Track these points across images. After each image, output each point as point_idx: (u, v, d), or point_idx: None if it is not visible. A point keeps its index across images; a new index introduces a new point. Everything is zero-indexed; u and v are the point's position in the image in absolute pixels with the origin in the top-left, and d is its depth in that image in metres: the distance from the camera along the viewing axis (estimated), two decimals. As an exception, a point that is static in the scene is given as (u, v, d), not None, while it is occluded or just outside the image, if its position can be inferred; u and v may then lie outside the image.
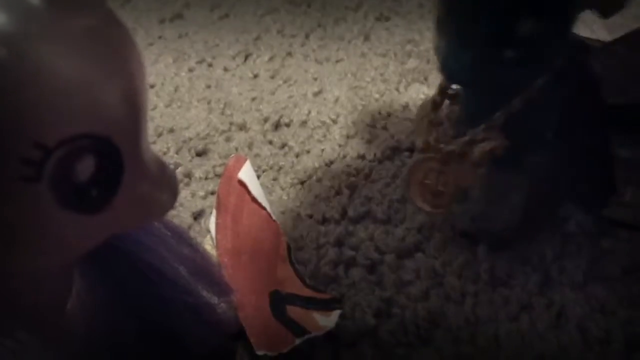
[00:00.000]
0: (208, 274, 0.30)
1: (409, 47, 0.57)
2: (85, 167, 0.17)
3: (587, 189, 0.38)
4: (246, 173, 0.40)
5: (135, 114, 0.18)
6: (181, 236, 0.30)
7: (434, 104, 0.36)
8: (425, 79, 0.53)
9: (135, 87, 0.18)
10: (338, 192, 0.43)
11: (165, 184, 0.21)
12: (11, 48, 0.15)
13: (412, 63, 0.55)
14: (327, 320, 0.33)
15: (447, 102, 0.36)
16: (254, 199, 0.39)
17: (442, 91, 0.35)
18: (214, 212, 0.39)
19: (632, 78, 0.35)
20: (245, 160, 0.41)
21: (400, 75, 0.54)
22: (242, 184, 0.39)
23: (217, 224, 0.38)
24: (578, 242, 0.37)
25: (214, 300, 0.30)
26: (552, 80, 0.32)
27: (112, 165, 0.18)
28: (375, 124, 0.49)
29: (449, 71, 0.33)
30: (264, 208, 0.39)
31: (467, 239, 0.38)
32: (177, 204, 0.22)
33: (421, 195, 0.36)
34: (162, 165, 0.21)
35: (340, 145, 0.47)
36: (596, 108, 0.35)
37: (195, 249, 0.30)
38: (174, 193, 0.21)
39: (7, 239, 0.17)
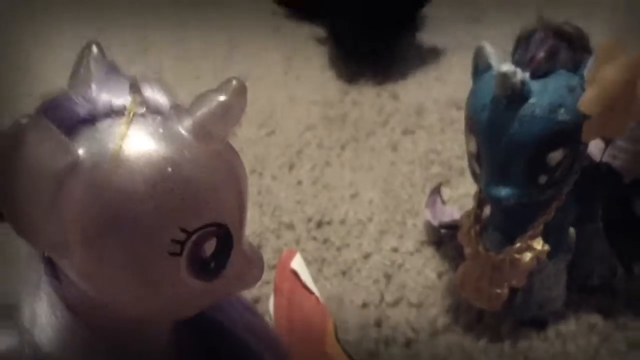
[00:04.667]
0: (271, 341, 0.37)
1: (432, 156, 0.65)
2: (209, 246, 0.25)
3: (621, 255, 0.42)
4: (297, 263, 0.47)
5: (242, 209, 0.26)
6: (249, 308, 0.36)
7: (476, 217, 0.42)
8: (448, 182, 0.60)
9: (242, 189, 0.26)
10: (376, 281, 0.49)
11: (255, 262, 0.28)
12: (175, 170, 0.23)
13: (435, 169, 0.63)
14: (371, 388, 0.39)
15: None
16: (305, 286, 0.46)
17: (481, 204, 0.42)
18: (272, 295, 0.46)
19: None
20: (296, 252, 0.48)
21: (425, 179, 0.61)
22: (294, 272, 0.47)
23: (274, 305, 0.44)
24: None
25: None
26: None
27: (226, 245, 0.25)
28: (405, 222, 0.56)
29: (492, 197, 0.37)
30: (312, 293, 0.46)
31: (535, 325, 0.43)
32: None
33: (476, 297, 0.42)
34: (252, 248, 0.28)
35: (375, 240, 0.54)
36: (614, 184, 0.40)
37: (260, 319, 0.37)
38: (261, 269, 0.28)
39: (152, 296, 0.25)
